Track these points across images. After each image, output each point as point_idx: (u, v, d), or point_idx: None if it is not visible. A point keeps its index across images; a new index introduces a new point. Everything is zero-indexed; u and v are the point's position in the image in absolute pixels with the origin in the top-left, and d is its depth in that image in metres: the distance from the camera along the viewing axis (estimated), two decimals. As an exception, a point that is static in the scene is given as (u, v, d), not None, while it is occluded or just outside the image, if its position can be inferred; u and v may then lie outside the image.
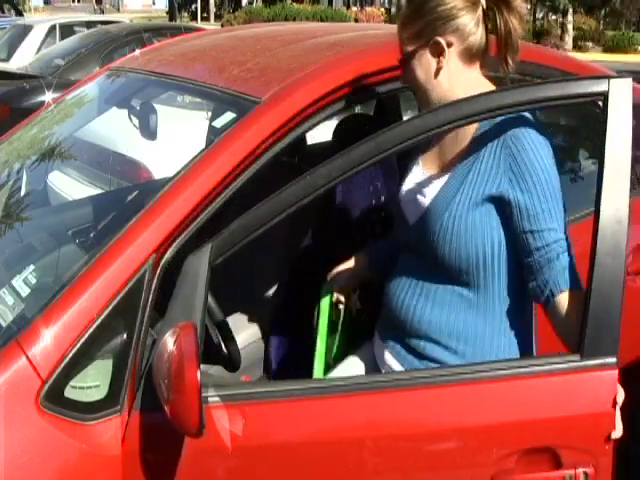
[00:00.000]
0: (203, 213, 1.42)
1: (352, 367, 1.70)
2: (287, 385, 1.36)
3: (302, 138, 1.84)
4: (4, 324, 1.49)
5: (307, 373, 1.69)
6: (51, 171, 2.59)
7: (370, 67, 1.70)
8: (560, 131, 2.74)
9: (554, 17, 26.83)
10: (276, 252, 2.43)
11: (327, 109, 1.62)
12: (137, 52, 2.37)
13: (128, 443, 1.29)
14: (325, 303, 1.73)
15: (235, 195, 1.46)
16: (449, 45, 1.43)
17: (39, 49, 9.15)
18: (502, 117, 1.39)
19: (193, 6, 36.75)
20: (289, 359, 2.24)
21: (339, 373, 1.69)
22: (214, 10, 38.56)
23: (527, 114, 1.41)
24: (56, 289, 1.34)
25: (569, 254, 1.40)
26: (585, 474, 1.31)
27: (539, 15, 30.01)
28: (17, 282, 1.61)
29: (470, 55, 1.45)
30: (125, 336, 1.32)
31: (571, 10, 24.78)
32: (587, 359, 1.29)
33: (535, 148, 1.36)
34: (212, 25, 27.65)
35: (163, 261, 1.37)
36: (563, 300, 1.36)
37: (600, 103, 1.33)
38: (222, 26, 22.94)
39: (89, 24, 9.98)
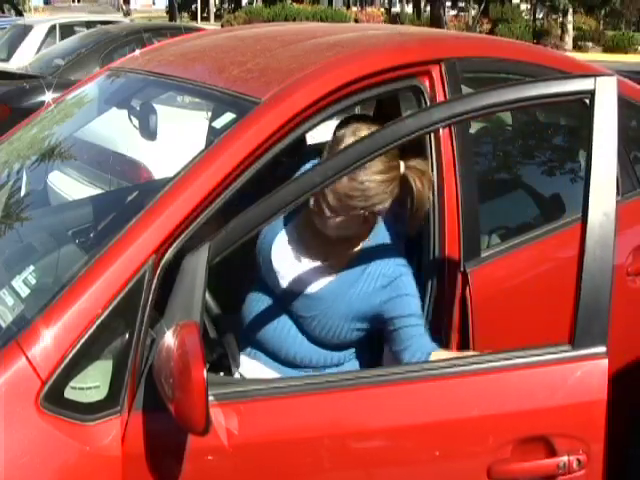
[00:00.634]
0: (203, 214, 1.42)
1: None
2: (287, 382, 1.36)
3: (302, 138, 1.85)
4: (4, 325, 1.49)
5: None
6: (51, 171, 2.59)
7: (370, 68, 1.70)
8: (560, 131, 2.74)
9: (554, 17, 26.79)
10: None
11: (327, 110, 1.62)
12: (137, 52, 2.37)
13: (128, 444, 1.29)
14: None
15: (235, 196, 1.47)
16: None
17: (39, 49, 9.15)
18: (392, 251, 1.70)
19: (193, 6, 36.72)
20: None
21: None
22: (214, 10, 38.56)
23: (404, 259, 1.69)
24: (56, 290, 1.34)
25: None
26: (578, 461, 1.35)
27: (539, 15, 30.00)
28: (17, 283, 1.61)
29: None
30: (125, 337, 1.32)
31: (571, 10, 24.75)
32: (578, 349, 1.34)
33: (406, 279, 1.68)
34: (212, 25, 27.63)
35: (163, 262, 1.37)
36: None
37: (587, 101, 1.37)
38: (222, 26, 22.93)
39: (89, 24, 9.98)
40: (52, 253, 1.85)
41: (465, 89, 1.90)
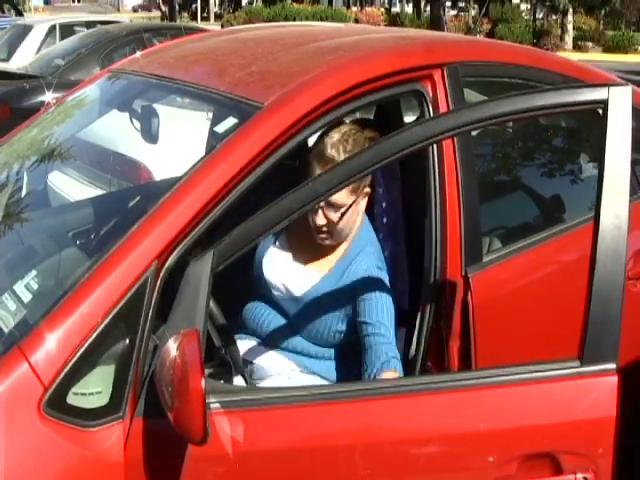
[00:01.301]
0: (205, 220, 1.41)
1: None
2: (290, 391, 1.36)
3: (304, 143, 1.84)
4: (6, 330, 1.49)
5: None
6: (51, 172, 2.59)
7: (372, 72, 1.69)
8: (562, 134, 2.74)
9: (554, 17, 26.78)
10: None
11: (329, 114, 1.61)
12: (138, 54, 2.36)
13: (130, 449, 1.29)
14: None
15: (237, 201, 1.46)
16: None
17: (39, 49, 9.15)
18: (369, 248, 1.80)
19: (193, 6, 36.70)
20: None
21: None
22: (214, 10, 38.53)
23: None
24: (58, 295, 1.34)
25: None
26: (585, 479, 1.33)
27: (539, 15, 29.99)
28: (19, 287, 1.61)
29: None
30: (127, 343, 1.32)
31: (571, 10, 24.72)
32: (587, 365, 1.32)
33: (377, 279, 1.79)
34: (212, 25, 27.61)
35: (165, 268, 1.37)
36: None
37: (600, 111, 1.34)
38: (222, 26, 22.91)
39: (89, 24, 9.97)
40: (54, 257, 1.85)
41: (467, 93, 1.90)
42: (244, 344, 1.91)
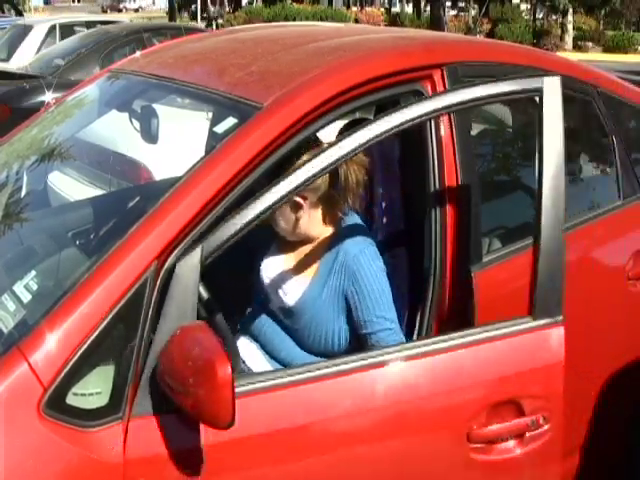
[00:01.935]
0: (205, 220, 1.41)
1: None
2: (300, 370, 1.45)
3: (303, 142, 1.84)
4: (6, 330, 1.49)
5: None
6: (51, 172, 2.59)
7: (372, 72, 1.69)
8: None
9: (554, 17, 26.76)
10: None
11: (328, 115, 1.61)
12: (138, 54, 2.36)
13: (130, 450, 1.29)
14: None
15: (237, 201, 1.47)
16: (305, 199, 1.77)
17: (39, 49, 9.15)
18: (348, 239, 1.78)
19: (193, 6, 36.70)
20: None
21: None
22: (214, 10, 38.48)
23: (365, 239, 1.80)
24: (58, 295, 1.34)
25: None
26: (544, 417, 1.54)
27: (539, 15, 29.96)
28: (18, 288, 1.61)
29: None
30: (127, 343, 1.32)
31: (571, 10, 24.72)
32: (538, 320, 1.54)
33: (369, 265, 1.76)
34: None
35: (165, 268, 1.36)
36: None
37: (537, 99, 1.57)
38: (222, 26, 22.91)
39: (89, 24, 9.98)
40: (53, 257, 1.85)
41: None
42: (243, 345, 1.90)
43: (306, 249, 1.86)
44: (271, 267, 1.91)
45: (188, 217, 1.39)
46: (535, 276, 1.53)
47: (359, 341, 1.80)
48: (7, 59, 9.15)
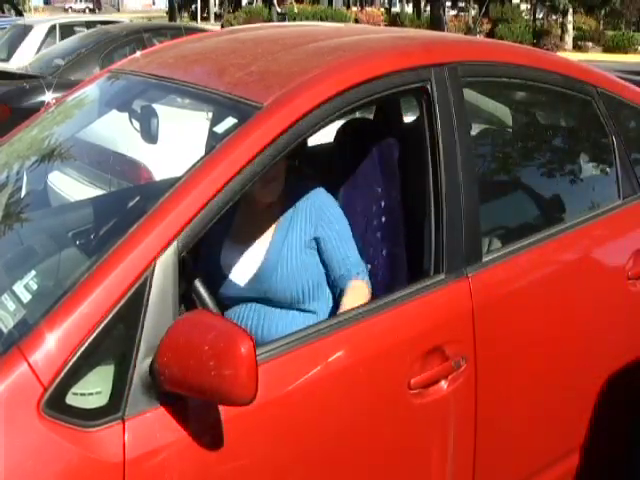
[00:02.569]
0: (204, 220, 1.41)
1: None
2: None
3: (303, 142, 1.84)
4: (5, 330, 1.48)
5: None
6: (51, 172, 2.59)
7: (372, 72, 1.70)
8: (560, 134, 2.74)
9: (554, 17, 26.76)
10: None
11: (328, 115, 1.61)
12: (138, 54, 2.36)
13: (130, 449, 1.29)
14: None
15: (237, 201, 1.47)
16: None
17: (39, 49, 9.14)
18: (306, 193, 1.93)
19: (193, 6, 36.70)
20: None
21: None
22: (214, 10, 38.55)
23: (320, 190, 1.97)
24: (58, 295, 1.34)
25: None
26: (464, 358, 1.72)
27: (539, 15, 29.96)
28: (18, 287, 1.61)
29: None
30: (127, 343, 1.32)
31: (571, 10, 24.72)
32: (449, 275, 1.74)
33: (335, 210, 1.96)
34: (212, 25, 27.63)
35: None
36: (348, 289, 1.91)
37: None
38: (222, 26, 22.92)
39: (89, 24, 9.97)
40: (53, 257, 1.85)
41: (467, 93, 1.90)
42: None
43: (258, 220, 1.97)
44: (232, 256, 1.99)
45: (188, 216, 1.39)
46: (441, 239, 1.74)
47: (332, 289, 1.95)
48: (7, 59, 9.14)
